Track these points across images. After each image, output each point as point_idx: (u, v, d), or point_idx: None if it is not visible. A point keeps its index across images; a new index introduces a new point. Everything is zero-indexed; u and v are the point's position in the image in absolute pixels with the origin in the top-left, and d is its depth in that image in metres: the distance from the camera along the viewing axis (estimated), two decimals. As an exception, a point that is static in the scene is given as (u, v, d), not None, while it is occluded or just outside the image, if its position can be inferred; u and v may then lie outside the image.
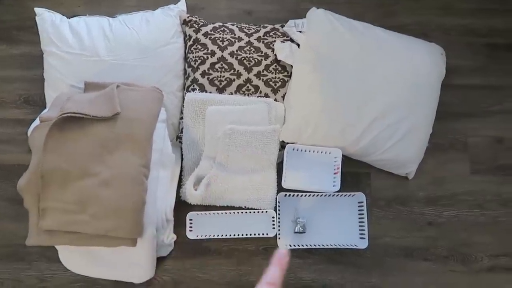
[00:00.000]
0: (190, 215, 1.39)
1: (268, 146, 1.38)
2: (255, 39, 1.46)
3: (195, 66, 1.43)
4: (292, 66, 1.43)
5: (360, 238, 1.40)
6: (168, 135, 1.38)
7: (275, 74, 1.44)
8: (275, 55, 1.44)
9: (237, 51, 1.44)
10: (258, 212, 1.40)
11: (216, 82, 1.42)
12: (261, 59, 1.44)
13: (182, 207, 1.41)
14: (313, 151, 1.42)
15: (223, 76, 1.42)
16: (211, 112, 1.37)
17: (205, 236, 1.39)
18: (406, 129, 1.36)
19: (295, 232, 1.40)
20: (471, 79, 1.57)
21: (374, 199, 1.46)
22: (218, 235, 1.39)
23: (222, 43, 1.45)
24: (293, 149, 1.42)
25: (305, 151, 1.42)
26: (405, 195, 1.48)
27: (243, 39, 1.46)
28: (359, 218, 1.42)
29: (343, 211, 1.43)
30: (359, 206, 1.42)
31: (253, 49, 1.45)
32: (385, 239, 1.44)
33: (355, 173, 1.48)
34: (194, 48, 1.45)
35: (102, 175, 1.19)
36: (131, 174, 1.19)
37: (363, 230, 1.39)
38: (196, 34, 1.47)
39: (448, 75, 1.48)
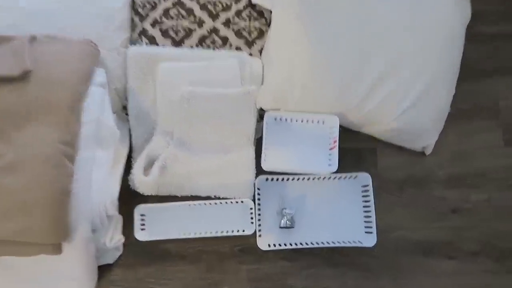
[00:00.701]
0: (140, 209, 1.06)
1: (242, 114, 1.05)
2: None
3: (144, 13, 1.10)
4: (271, 11, 1.09)
5: (366, 232, 1.08)
6: (110, 104, 1.05)
7: (249, 21, 1.11)
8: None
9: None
10: (231, 202, 1.08)
11: (171, 33, 1.09)
12: (231, 3, 1.11)
13: (131, 199, 1.08)
14: (302, 121, 1.09)
15: (180, 25, 1.09)
16: (164, 70, 1.03)
17: (163, 236, 1.06)
18: (421, 88, 1.03)
19: (281, 227, 1.08)
20: (502, 27, 1.24)
21: (382, 182, 1.14)
22: (179, 235, 1.06)
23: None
24: (275, 119, 1.09)
25: (291, 120, 1.09)
26: (422, 175, 1.16)
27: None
28: (364, 206, 1.09)
29: (343, 199, 1.11)
30: (363, 191, 1.10)
31: (220, -10, 1.11)
32: (397, 232, 1.12)
33: (356, 149, 1.15)
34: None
35: (5, 158, 0.86)
36: (45, 154, 0.86)
37: (370, 222, 1.07)
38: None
39: (474, 22, 1.16)
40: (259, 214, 1.07)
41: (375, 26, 1.03)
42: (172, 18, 1.09)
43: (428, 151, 1.14)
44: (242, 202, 1.08)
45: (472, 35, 1.17)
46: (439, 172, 1.16)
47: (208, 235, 1.07)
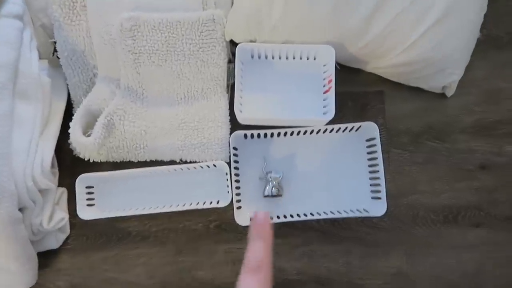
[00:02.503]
0: (85, 179, 0.83)
1: (207, 49, 0.79)
2: None
3: None
4: None
5: (373, 198, 0.85)
6: (34, 44, 0.80)
7: None
8: None
9: None
10: (201, 167, 0.85)
11: None
12: None
13: (78, 168, 0.85)
14: (286, 57, 0.84)
15: None
16: (97, -6, 0.76)
17: (117, 213, 0.84)
18: (443, 6, 0.77)
19: (266, 196, 0.85)
20: None
21: (392, 135, 0.90)
22: (138, 210, 0.84)
23: None
24: (252, 56, 0.83)
25: (273, 57, 0.84)
26: (442, 123, 0.91)
27: None
28: (370, 166, 0.86)
29: (343, 157, 0.87)
30: (368, 147, 0.87)
31: None
32: (411, 197, 0.89)
33: (357, 94, 0.91)
34: None
35: None
36: None
37: (378, 185, 0.84)
38: None
39: None
40: (237, 181, 0.84)
41: None
42: None
43: (450, 92, 0.89)
44: (214, 166, 0.85)
45: None
46: (465, 119, 0.91)
47: (175, 209, 0.84)
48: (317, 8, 0.74)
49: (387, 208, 0.82)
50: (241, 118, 0.82)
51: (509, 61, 0.92)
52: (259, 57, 0.84)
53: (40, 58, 0.82)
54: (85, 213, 0.83)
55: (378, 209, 0.82)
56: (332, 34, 0.77)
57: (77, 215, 0.84)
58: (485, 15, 0.84)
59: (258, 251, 0.57)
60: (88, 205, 0.85)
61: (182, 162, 0.86)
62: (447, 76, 0.85)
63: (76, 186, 0.82)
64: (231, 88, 0.88)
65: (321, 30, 0.77)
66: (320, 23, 0.76)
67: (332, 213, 0.83)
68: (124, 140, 0.83)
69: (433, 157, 0.90)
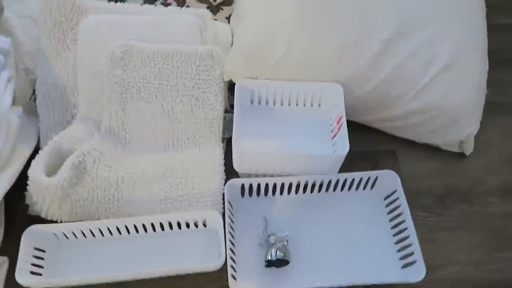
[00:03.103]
0: (33, 234, 0.64)
1: (203, 88, 0.72)
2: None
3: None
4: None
5: (404, 267, 0.67)
6: (12, 85, 0.72)
7: (214, -13, 0.87)
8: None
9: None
10: (187, 225, 0.68)
11: None
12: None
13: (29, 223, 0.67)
14: (289, 103, 0.77)
15: None
16: (89, 24, 0.72)
17: (71, 281, 0.63)
18: (449, 52, 0.75)
19: (268, 264, 0.66)
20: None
21: (412, 194, 0.77)
22: (104, 278, 0.63)
23: None
24: (252, 100, 0.76)
25: (274, 101, 0.77)
26: (467, 184, 0.80)
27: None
28: (393, 227, 0.71)
29: (360, 217, 0.72)
30: (388, 204, 0.73)
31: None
32: (450, 270, 0.71)
33: (368, 154, 0.81)
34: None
35: None
36: None
37: (407, 246, 0.67)
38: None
39: (488, 14, 0.96)
40: (232, 242, 0.67)
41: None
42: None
43: (468, 149, 0.81)
44: (204, 225, 0.68)
45: (489, 27, 0.96)
46: (490, 180, 0.81)
47: (149, 276, 0.63)
48: (321, 48, 0.71)
49: (421, 285, 0.63)
50: (238, 167, 0.69)
51: (520, 121, 0.88)
52: (259, 103, 0.77)
53: (16, 103, 0.74)
54: (24, 278, 0.61)
55: (415, 274, 0.64)
56: (338, 74, 0.73)
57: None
58: (489, 85, 0.83)
59: None
60: (32, 272, 0.63)
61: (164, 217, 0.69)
62: (462, 128, 0.78)
63: (21, 241, 0.63)
64: (227, 143, 0.78)
65: (325, 69, 0.72)
66: (324, 62, 0.72)
67: (356, 284, 0.63)
68: (95, 190, 0.67)
69: (465, 222, 0.76)
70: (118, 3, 0.77)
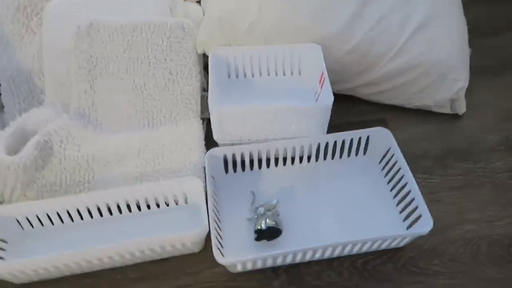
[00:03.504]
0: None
1: (177, 58, 0.69)
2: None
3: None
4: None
5: (410, 226, 0.60)
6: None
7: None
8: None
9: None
10: (166, 203, 0.61)
11: None
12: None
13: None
14: (268, 73, 0.73)
15: None
16: (54, 8, 0.70)
17: (36, 262, 0.55)
18: (423, 11, 0.73)
19: (259, 236, 0.59)
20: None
21: (410, 159, 0.69)
22: (70, 255, 0.55)
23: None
24: (229, 74, 0.73)
25: (252, 73, 0.73)
26: (465, 143, 0.75)
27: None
28: (392, 188, 0.64)
29: (354, 183, 0.66)
30: (384, 166, 0.67)
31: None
32: (464, 228, 0.64)
33: (356, 124, 0.75)
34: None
35: None
36: None
37: (410, 202, 0.60)
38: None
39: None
40: (217, 214, 0.60)
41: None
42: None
43: (461, 108, 0.77)
44: (186, 202, 0.62)
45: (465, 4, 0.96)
46: (490, 138, 0.76)
47: (123, 249, 0.56)
48: (294, 13, 0.69)
49: (434, 247, 0.57)
50: (218, 136, 0.64)
51: (509, 83, 0.85)
52: (237, 76, 0.73)
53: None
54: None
55: (422, 226, 0.57)
56: (314, 36, 0.70)
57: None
58: (474, 50, 0.81)
59: None
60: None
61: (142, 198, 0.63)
62: (451, 84, 0.75)
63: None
64: (207, 124, 0.74)
65: (300, 32, 0.70)
66: (299, 25, 0.70)
67: (361, 241, 0.56)
68: (63, 173, 0.62)
69: (471, 180, 0.70)
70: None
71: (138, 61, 0.68)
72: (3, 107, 0.69)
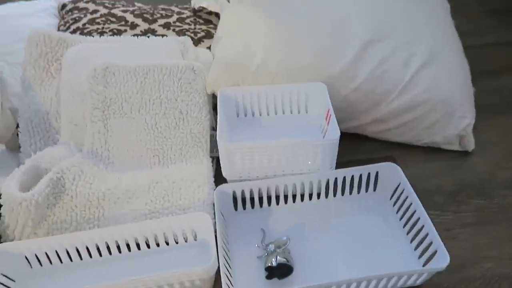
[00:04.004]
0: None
1: (187, 99, 0.71)
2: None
3: (65, 28, 0.89)
4: (219, 17, 0.90)
5: (426, 263, 0.58)
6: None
7: (195, 25, 0.91)
8: (194, 8, 0.94)
9: (132, 11, 0.93)
10: (176, 241, 0.61)
11: (94, 34, 0.85)
12: (172, 14, 0.93)
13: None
14: (275, 111, 0.75)
15: (108, 28, 0.87)
16: (73, 52, 0.73)
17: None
18: (425, 52, 0.76)
19: (269, 274, 0.57)
20: (489, 39, 1.09)
21: (420, 196, 0.68)
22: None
23: (110, 4, 0.95)
24: (237, 113, 0.75)
25: (260, 112, 0.75)
26: (477, 180, 0.74)
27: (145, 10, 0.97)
28: (405, 224, 0.63)
29: (364, 219, 0.65)
30: (395, 203, 0.66)
31: (161, 10, 0.95)
32: (483, 266, 0.61)
33: (364, 162, 0.75)
34: (67, 12, 0.94)
35: None
36: None
37: (424, 238, 0.59)
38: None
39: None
40: (227, 252, 0.59)
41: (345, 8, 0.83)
42: (98, 23, 0.87)
43: (470, 146, 0.77)
44: (195, 239, 0.61)
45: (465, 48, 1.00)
46: (501, 174, 0.75)
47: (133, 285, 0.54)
48: (299, 53, 0.72)
49: (452, 286, 0.56)
50: (227, 173, 0.65)
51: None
52: (245, 115, 0.75)
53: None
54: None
55: (439, 261, 0.55)
56: (319, 75, 0.73)
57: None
58: (478, 90, 0.83)
59: None
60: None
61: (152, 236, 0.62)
62: (458, 120, 0.75)
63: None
64: (216, 162, 0.74)
65: (306, 72, 0.72)
66: (304, 66, 0.73)
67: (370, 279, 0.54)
68: (74, 210, 0.62)
69: (485, 216, 0.68)
70: (102, 37, 0.81)
71: (150, 101, 0.70)
72: (19, 146, 0.71)
